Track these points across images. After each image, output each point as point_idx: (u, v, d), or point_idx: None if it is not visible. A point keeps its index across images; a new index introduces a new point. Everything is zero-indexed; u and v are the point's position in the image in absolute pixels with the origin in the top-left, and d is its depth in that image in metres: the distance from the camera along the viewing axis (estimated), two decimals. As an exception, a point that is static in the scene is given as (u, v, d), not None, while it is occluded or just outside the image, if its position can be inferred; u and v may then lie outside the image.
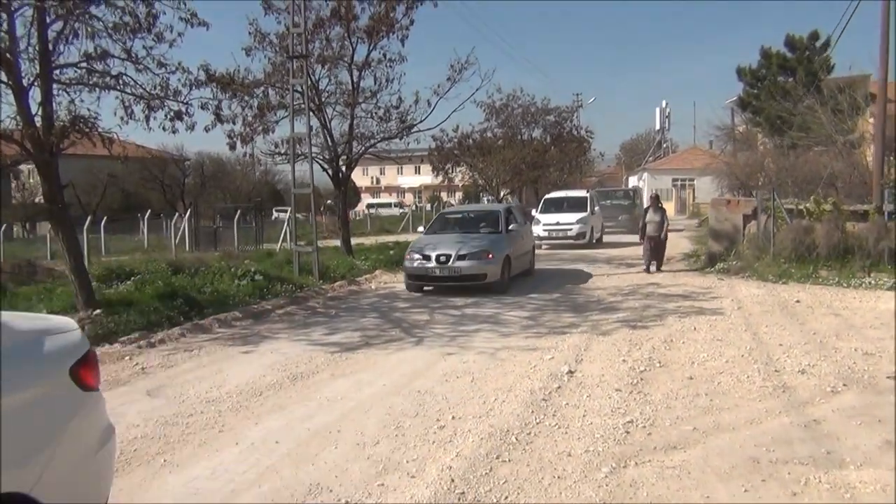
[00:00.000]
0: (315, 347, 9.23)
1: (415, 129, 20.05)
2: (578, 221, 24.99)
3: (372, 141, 19.84)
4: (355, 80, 18.85)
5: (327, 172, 19.92)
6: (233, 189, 55.57)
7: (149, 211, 33.94)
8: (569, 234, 24.71)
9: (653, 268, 16.71)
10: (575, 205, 26.19)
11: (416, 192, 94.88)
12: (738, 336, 9.19)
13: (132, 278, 13.37)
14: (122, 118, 12.27)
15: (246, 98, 17.61)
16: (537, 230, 22.65)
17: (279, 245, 29.24)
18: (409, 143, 21.43)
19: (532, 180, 39.47)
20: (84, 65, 11.47)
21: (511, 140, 37.34)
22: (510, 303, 12.62)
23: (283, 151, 20.06)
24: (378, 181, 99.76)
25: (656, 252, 16.88)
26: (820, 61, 40.61)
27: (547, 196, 28.84)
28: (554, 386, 7.04)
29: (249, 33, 18.32)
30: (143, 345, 9.43)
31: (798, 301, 11.84)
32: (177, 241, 27.63)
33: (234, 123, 17.38)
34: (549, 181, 41.30)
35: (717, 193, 51.51)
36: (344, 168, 19.60)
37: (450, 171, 40.36)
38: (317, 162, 19.90)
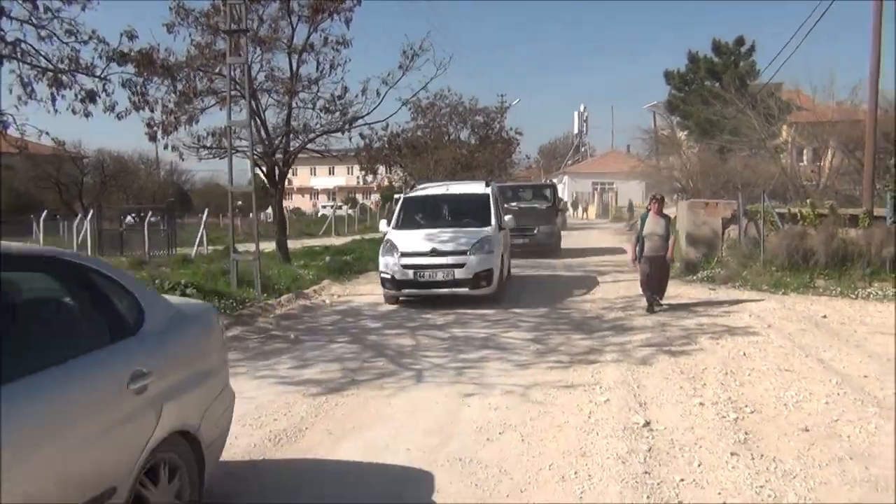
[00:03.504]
0: (289, 388, 7.15)
1: (360, 121, 17.98)
2: (475, 249, 12.06)
3: (311, 135, 17.62)
4: (294, 65, 16.64)
5: (261, 169, 17.59)
6: (136, 189, 51.68)
7: (45, 212, 30.40)
8: (456, 275, 11.89)
9: (657, 303, 11.29)
10: (464, 211, 13.61)
11: (331, 193, 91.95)
12: (803, 364, 7.70)
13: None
14: (19, 97, 9.83)
15: (166, 82, 15.09)
16: (389, 264, 12.04)
17: (194, 250, 26.61)
18: (352, 138, 19.31)
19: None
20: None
21: (439, 140, 35.69)
22: (498, 320, 10.80)
23: (208, 145, 17.64)
24: (290, 182, 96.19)
25: (660, 279, 11.37)
26: (746, 66, 40.89)
27: (408, 195, 15.35)
28: (641, 448, 5.28)
29: (170, 8, 15.86)
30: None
31: (825, 316, 10.55)
32: (77, 244, 24.51)
33: (151, 110, 14.80)
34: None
35: (647, 197, 51.87)
36: (280, 164, 17.31)
37: (378, 171, 38.55)
38: (247, 157, 17.63)
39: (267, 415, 6.26)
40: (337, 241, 33.03)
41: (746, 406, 6.22)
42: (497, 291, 12.24)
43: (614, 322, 10.52)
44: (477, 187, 14.40)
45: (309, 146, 18.12)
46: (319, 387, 7.16)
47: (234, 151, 15.73)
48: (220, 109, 16.45)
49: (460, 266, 11.82)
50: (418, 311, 11.75)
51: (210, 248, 27.48)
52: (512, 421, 5.97)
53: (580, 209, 63.32)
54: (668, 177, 45.65)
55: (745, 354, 8.20)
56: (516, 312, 11.47)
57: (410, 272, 11.89)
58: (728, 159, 34.19)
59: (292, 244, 31.81)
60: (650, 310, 11.14)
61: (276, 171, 17.26)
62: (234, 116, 15.10)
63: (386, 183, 52.48)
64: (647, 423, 5.79)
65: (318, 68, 16.72)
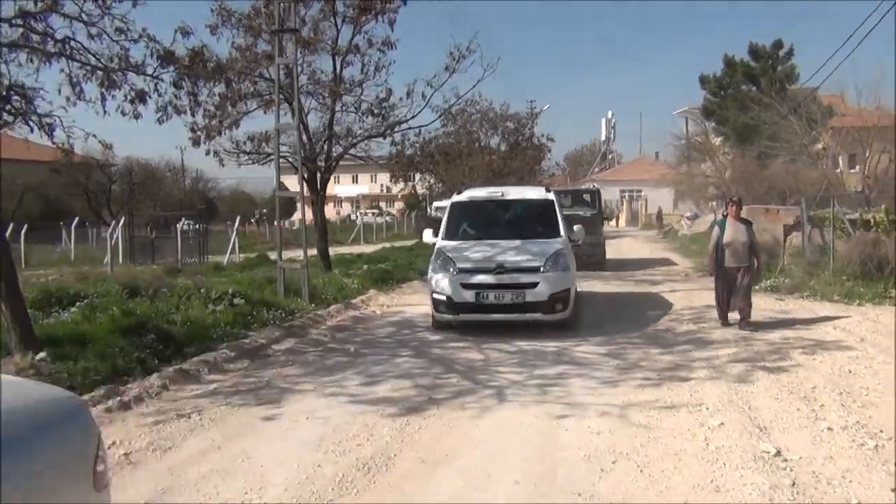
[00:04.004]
0: (363, 407, 6.58)
1: (404, 125, 17.51)
2: (549, 265, 10.14)
3: (353, 139, 17.16)
4: (338, 67, 16.18)
5: (302, 175, 17.12)
6: (163, 196, 51.64)
7: (76, 219, 30.22)
8: (527, 297, 9.94)
9: (733, 318, 10.20)
10: (526, 220, 11.67)
11: (354, 201, 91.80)
12: (923, 383, 7.03)
13: (77, 303, 10.38)
14: (67, 98, 9.37)
15: (209, 84, 14.68)
16: (442, 282, 10.17)
17: (226, 257, 26.27)
18: (393, 143, 18.77)
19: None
20: (19, 22, 8.59)
21: (472, 146, 35.18)
22: (564, 333, 10.10)
23: (248, 150, 17.23)
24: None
25: (742, 292, 10.08)
26: (784, 70, 40.00)
27: (457, 199, 12.23)
28: (784, 482, 4.65)
29: (212, 9, 15.49)
30: (115, 406, 6.56)
31: (919, 329, 9.85)
32: (110, 251, 24.26)
33: (199, 114, 14.34)
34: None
35: (680, 204, 50.94)
36: (322, 169, 16.84)
37: (410, 178, 38.09)
38: (289, 162, 17.23)
39: (348, 439, 5.70)
40: (366, 248, 32.50)
41: (881, 431, 5.58)
42: (570, 317, 10.30)
43: (690, 335, 9.88)
44: (537, 192, 12.43)
45: (350, 151, 17.67)
46: (396, 406, 6.60)
47: (271, 157, 15.38)
48: (265, 113, 16.07)
49: (532, 286, 9.80)
50: (472, 329, 11.11)
51: (241, 255, 27.18)
52: (621, 448, 5.37)
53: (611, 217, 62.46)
54: (702, 184, 44.96)
55: (850, 371, 7.54)
56: (582, 324, 10.82)
57: (471, 293, 9.90)
58: (767, 165, 33.41)
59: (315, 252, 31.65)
60: (724, 322, 10.32)
61: (319, 177, 16.76)
62: (274, 121, 14.65)
63: (410, 191, 52.52)
64: (779, 452, 5.16)
65: (362, 70, 16.29)
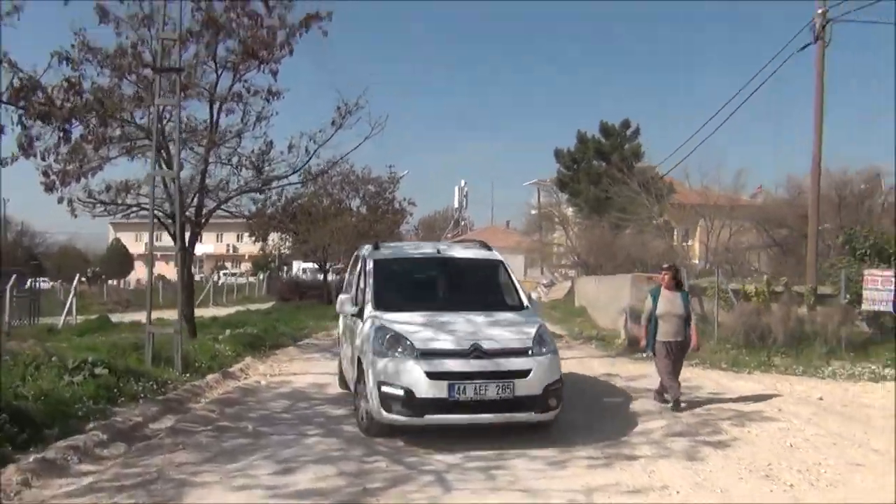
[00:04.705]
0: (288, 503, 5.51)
1: (284, 180, 16.53)
2: (537, 345, 7.78)
3: (229, 193, 15.93)
4: (215, 115, 15.02)
5: (168, 230, 15.58)
6: (-22, 252, 46.59)
7: None
8: (517, 391, 7.40)
9: (670, 397, 9.22)
10: (477, 286, 9.48)
11: (198, 260, 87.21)
12: (867, 457, 6.92)
13: None
14: None
15: (64, 126, 13.05)
16: (396, 371, 7.42)
17: (62, 320, 23.62)
18: (268, 199, 17.68)
19: (360, 252, 36.63)
20: None
21: (337, 208, 34.41)
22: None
23: (106, 200, 15.47)
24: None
25: (677, 365, 9.41)
26: (632, 148, 42.52)
27: (379, 256, 9.35)
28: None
29: (72, 45, 13.88)
30: (-40, 515, 5.09)
31: (821, 398, 10.01)
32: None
33: (43, 158, 12.63)
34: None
35: (538, 272, 52.23)
36: (192, 224, 15.40)
37: (270, 238, 36.50)
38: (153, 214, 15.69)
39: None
40: (219, 311, 30.59)
41: (867, 514, 5.27)
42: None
43: (608, 406, 9.49)
44: (477, 250, 9.78)
45: (222, 206, 16.39)
46: (327, 500, 5.57)
47: (134, 209, 13.94)
48: (131, 160, 14.52)
49: (523, 375, 7.36)
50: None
51: (80, 317, 24.56)
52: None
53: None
54: (556, 252, 46.57)
55: (791, 446, 7.33)
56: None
57: (441, 386, 7.19)
58: (619, 235, 35.01)
59: (168, 314, 29.31)
60: (670, 402, 9.13)
61: (188, 232, 15.28)
62: (145, 168, 13.33)
63: (261, 251, 50.56)
64: (784, 544, 4.68)
65: (243, 119, 15.23)
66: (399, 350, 7.46)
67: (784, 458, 6.80)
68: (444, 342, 7.55)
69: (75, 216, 16.49)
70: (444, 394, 7.19)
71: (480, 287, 9.30)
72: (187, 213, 15.08)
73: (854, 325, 13.41)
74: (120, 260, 72.69)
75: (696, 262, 31.89)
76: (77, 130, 12.99)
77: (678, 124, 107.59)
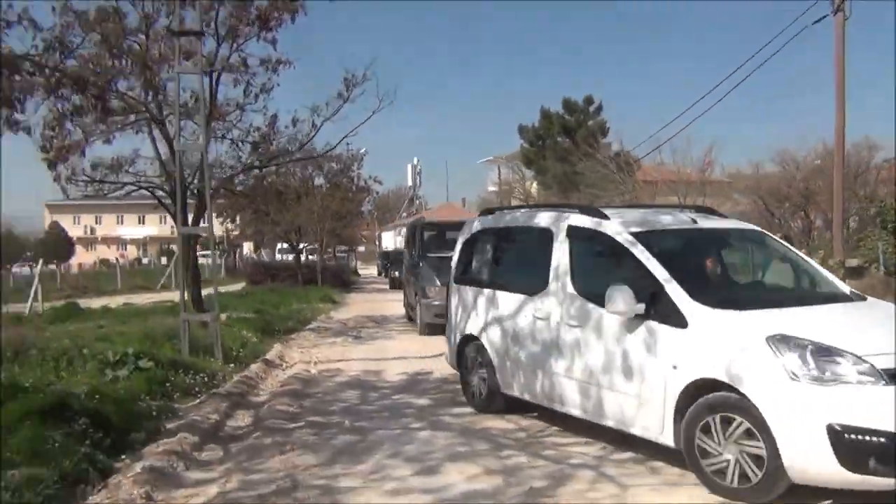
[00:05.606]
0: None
1: (288, 157, 15.64)
2: None
3: (234, 170, 15.00)
4: (215, 86, 13.98)
5: (168, 210, 14.58)
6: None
7: None
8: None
9: None
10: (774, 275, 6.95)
11: (141, 244, 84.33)
12: None
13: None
14: None
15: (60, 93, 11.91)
16: (853, 401, 4.55)
17: (28, 306, 22.19)
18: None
19: (333, 232, 35.86)
20: None
21: (308, 187, 33.45)
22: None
23: (99, 178, 14.30)
24: (93, 231, 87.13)
25: None
26: (597, 123, 42.52)
27: (638, 229, 6.11)
28: None
29: (53, 8, 12.58)
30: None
31: None
32: None
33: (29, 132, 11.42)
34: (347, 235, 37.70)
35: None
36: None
37: (237, 219, 35.23)
38: (152, 193, 14.73)
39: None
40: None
41: None
42: None
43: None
44: (730, 221, 7.66)
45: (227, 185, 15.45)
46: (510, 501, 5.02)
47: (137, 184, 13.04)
48: (136, 133, 13.43)
49: None
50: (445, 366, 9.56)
51: (46, 304, 23.05)
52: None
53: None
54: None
55: None
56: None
57: None
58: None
59: (140, 298, 28.00)
60: None
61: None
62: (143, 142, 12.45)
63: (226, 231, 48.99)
64: None
65: (245, 91, 14.22)
66: (838, 370, 4.68)
67: None
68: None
69: (67, 196, 15.46)
70: None
71: (765, 271, 7.03)
72: (198, 190, 14.08)
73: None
74: (59, 244, 69.77)
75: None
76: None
77: (638, 99, 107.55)
